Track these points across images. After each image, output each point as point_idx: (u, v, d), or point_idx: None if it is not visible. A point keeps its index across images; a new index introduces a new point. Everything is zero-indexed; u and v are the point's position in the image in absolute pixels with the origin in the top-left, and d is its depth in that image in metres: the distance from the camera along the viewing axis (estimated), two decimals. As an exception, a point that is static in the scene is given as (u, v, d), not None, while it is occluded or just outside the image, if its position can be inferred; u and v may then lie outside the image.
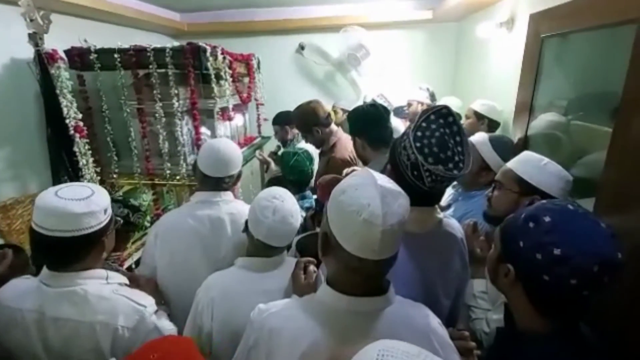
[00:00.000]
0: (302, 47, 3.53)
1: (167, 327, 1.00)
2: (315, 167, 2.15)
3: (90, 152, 1.72)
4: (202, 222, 1.33)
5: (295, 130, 2.57)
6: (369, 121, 1.54)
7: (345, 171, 1.60)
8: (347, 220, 0.67)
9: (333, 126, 2.13)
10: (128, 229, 1.49)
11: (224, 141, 1.41)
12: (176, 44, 1.95)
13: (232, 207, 1.39)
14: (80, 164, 1.65)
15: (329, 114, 2.15)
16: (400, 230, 0.69)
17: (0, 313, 0.93)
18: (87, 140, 1.69)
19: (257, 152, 2.68)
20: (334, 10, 3.31)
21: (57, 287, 0.91)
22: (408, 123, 2.56)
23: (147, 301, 0.99)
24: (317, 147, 2.16)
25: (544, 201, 0.78)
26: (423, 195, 0.90)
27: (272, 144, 3.18)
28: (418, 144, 0.87)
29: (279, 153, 2.28)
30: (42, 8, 1.43)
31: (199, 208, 1.35)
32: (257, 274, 1.12)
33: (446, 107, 0.92)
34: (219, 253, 1.34)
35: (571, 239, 0.65)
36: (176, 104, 1.97)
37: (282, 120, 2.60)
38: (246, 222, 1.18)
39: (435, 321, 0.79)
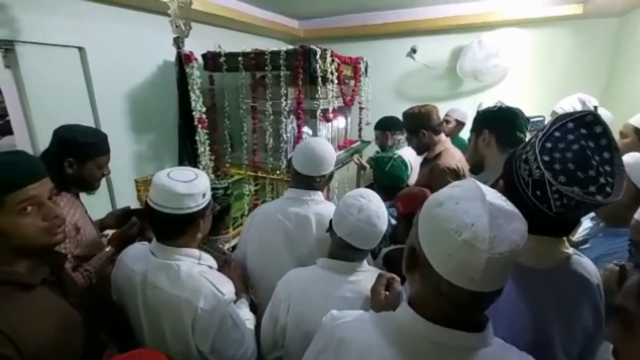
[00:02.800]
0: (413, 51, 3.37)
1: (244, 316, 1.04)
2: (412, 175, 1.99)
3: (208, 142, 1.97)
4: (289, 219, 1.35)
5: (397, 137, 2.44)
6: (508, 116, 1.33)
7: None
8: (442, 239, 0.56)
9: (442, 135, 1.94)
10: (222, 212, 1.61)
11: (320, 141, 1.41)
12: (290, 48, 2.08)
13: (321, 207, 1.37)
14: (199, 151, 1.89)
15: (442, 122, 1.99)
16: (512, 261, 0.54)
17: (121, 269, 1.11)
18: (207, 132, 1.94)
19: (355, 156, 2.66)
20: (450, 10, 3.05)
21: (160, 258, 1.03)
22: None
23: (227, 289, 1.03)
24: (420, 152, 2.01)
25: None
26: (547, 222, 0.71)
27: (372, 149, 3.12)
28: (546, 158, 0.68)
29: (373, 157, 2.21)
30: (185, 17, 1.70)
31: (289, 204, 1.38)
32: (337, 278, 1.07)
33: (592, 114, 0.70)
34: (303, 250, 1.35)
35: None
36: (284, 103, 2.10)
37: (384, 125, 2.51)
38: (330, 221, 1.15)
39: None
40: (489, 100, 3.01)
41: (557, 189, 0.66)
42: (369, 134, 2.99)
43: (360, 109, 2.97)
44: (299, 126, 2.17)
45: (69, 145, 1.26)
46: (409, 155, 2.01)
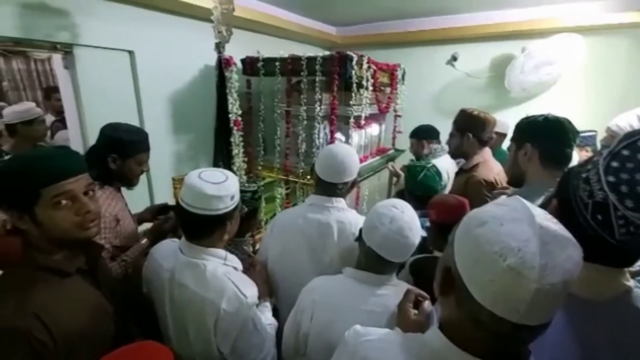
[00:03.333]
0: (454, 58, 3.26)
1: (266, 321, 1.03)
2: (446, 185, 1.90)
3: (242, 144, 2.01)
4: (311, 225, 1.33)
5: (433, 146, 2.35)
6: (554, 130, 1.21)
7: (494, 192, 1.34)
8: (483, 262, 0.50)
9: (486, 149, 1.85)
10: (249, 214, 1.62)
11: (343, 147, 1.38)
12: (327, 53, 2.08)
13: (343, 215, 1.34)
14: (233, 152, 1.94)
15: (492, 138, 1.89)
16: (564, 292, 0.48)
17: (151, 264, 1.15)
18: (242, 134, 1.98)
19: (390, 163, 2.60)
20: (495, 17, 2.91)
21: (187, 256, 1.05)
22: (590, 154, 1.99)
23: (250, 292, 1.03)
24: (455, 155, 1.93)
25: None
26: (607, 250, 0.63)
27: (405, 158, 3.03)
28: (612, 178, 0.61)
29: (406, 165, 2.13)
30: (227, 23, 1.76)
31: (311, 211, 1.36)
32: (364, 290, 1.03)
33: (669, 132, 0.62)
34: (324, 258, 1.32)
35: None
36: (318, 109, 2.10)
37: (420, 133, 2.43)
38: (360, 230, 1.11)
39: None
40: (536, 111, 2.83)
41: (622, 214, 0.58)
42: (403, 142, 2.92)
43: (396, 116, 2.90)
44: (331, 132, 2.16)
45: (113, 142, 1.33)
46: (445, 164, 1.92)
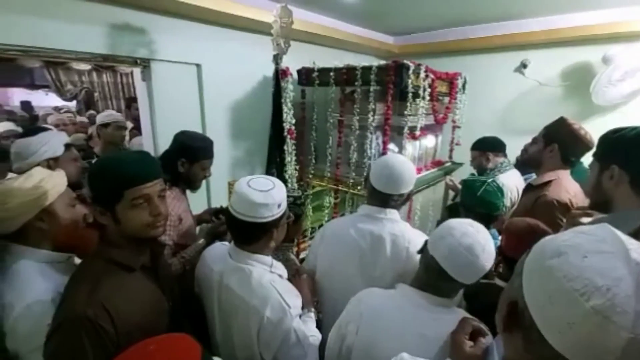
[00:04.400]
0: (524, 66, 3.00)
1: (309, 332, 1.00)
2: (514, 203, 1.73)
3: (295, 152, 2.04)
4: (363, 236, 1.29)
5: (499, 159, 2.16)
6: None
7: (571, 215, 1.17)
8: (560, 301, 0.43)
9: (568, 170, 1.64)
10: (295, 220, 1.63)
11: (400, 158, 1.32)
12: (382, 63, 2.04)
13: (397, 227, 1.28)
14: (286, 160, 1.98)
15: (577, 161, 1.64)
16: None
17: (203, 265, 1.19)
18: (295, 142, 2.02)
19: (448, 177, 2.44)
20: (570, 20, 2.62)
21: (235, 261, 1.08)
22: None
23: (294, 302, 1.02)
24: (526, 162, 1.75)
25: None
26: None
27: (463, 172, 2.84)
28: None
29: (464, 179, 1.97)
30: (285, 36, 1.82)
31: (363, 221, 1.31)
32: (417, 311, 0.95)
33: None
34: (374, 271, 1.27)
35: None
36: (370, 118, 2.06)
37: (484, 145, 2.22)
38: (426, 242, 1.04)
39: None
40: (622, 124, 2.48)
41: None
42: (461, 155, 2.74)
43: (454, 127, 2.74)
44: (384, 142, 2.10)
45: (184, 147, 1.44)
46: (512, 180, 1.74)
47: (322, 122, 2.41)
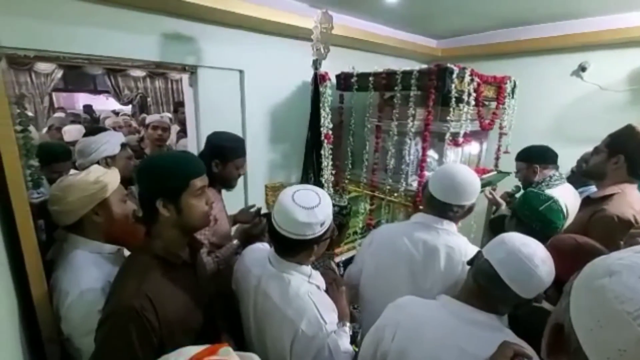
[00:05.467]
0: (582, 69, 2.76)
1: (343, 346, 0.98)
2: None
3: (331, 157, 2.04)
4: (415, 245, 1.23)
5: (548, 172, 1.95)
6: None
7: (631, 233, 1.05)
8: (610, 324, 0.39)
9: (635, 185, 1.48)
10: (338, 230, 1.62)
11: (464, 168, 1.26)
12: (424, 67, 1.99)
13: (453, 240, 1.22)
14: (322, 165, 1.98)
15: None
16: None
17: (242, 265, 1.21)
18: (331, 147, 2.02)
19: (488, 188, 2.27)
20: (635, 20, 2.36)
21: (274, 267, 1.08)
22: None
23: (330, 317, 1.00)
24: (586, 174, 1.63)
25: None
26: None
27: (508, 183, 2.66)
28: None
29: (524, 191, 1.80)
30: (325, 41, 1.84)
31: (417, 229, 1.26)
32: (458, 325, 0.88)
33: None
34: (424, 282, 1.21)
35: None
36: (410, 124, 2.01)
37: (531, 156, 2.00)
38: (478, 252, 0.98)
39: None
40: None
41: None
42: (508, 164, 2.57)
43: (501, 134, 2.58)
44: (423, 149, 2.03)
45: (216, 148, 1.49)
46: (565, 197, 1.57)
47: (360, 127, 2.39)
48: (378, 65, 2.18)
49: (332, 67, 2.09)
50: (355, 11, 2.43)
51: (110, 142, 1.77)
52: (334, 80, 2.34)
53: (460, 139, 2.04)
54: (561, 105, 2.93)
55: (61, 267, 1.06)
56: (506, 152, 2.58)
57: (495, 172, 2.66)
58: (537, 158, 1.98)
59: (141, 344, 0.83)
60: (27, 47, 1.47)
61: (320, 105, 1.91)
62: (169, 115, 4.20)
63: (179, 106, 4.24)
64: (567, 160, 2.05)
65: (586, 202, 1.54)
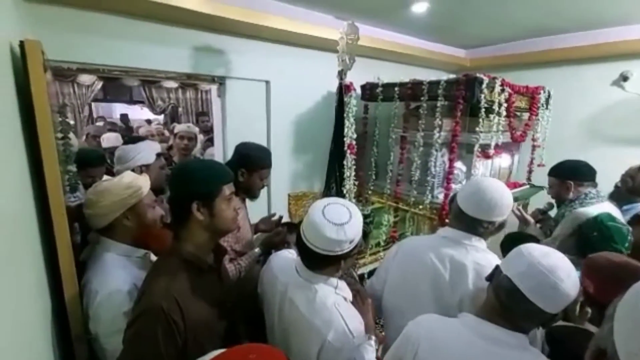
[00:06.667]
0: (624, 78, 2.60)
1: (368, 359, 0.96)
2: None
3: (354, 167, 2.02)
4: (442, 261, 1.18)
5: (584, 189, 1.78)
6: None
7: None
8: None
9: None
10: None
11: (496, 183, 1.21)
12: (452, 77, 1.95)
13: (483, 257, 1.16)
14: (345, 175, 1.97)
15: None
16: None
17: (268, 271, 1.21)
18: (355, 157, 2.00)
19: (515, 205, 2.11)
20: None
21: (301, 276, 1.07)
22: None
23: (357, 330, 0.98)
24: (637, 192, 1.53)
25: None
26: None
27: (541, 199, 2.51)
28: None
29: (609, 217, 1.63)
30: (350, 52, 1.85)
31: (444, 244, 1.21)
32: (482, 342, 0.84)
33: None
34: (451, 301, 1.15)
35: None
36: (436, 135, 1.96)
37: (565, 172, 1.80)
38: (496, 267, 0.93)
39: None
40: None
41: None
42: (541, 177, 2.44)
43: (534, 147, 2.47)
44: (450, 160, 1.97)
45: (243, 157, 1.52)
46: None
47: (384, 138, 2.36)
48: (404, 76, 2.17)
49: (357, 77, 2.09)
50: (381, 22, 2.43)
51: (147, 151, 1.85)
52: (358, 90, 2.33)
53: (491, 151, 1.97)
54: (599, 117, 2.77)
55: (92, 269, 1.10)
56: (540, 165, 2.46)
57: (527, 186, 2.53)
58: (570, 174, 1.82)
59: (166, 344, 0.84)
60: (71, 60, 1.58)
61: (345, 115, 1.90)
62: (193, 125, 4.34)
63: (200, 115, 4.38)
64: (609, 176, 1.90)
65: (636, 220, 1.43)
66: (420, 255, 1.23)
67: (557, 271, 0.79)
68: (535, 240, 1.49)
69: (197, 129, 2.89)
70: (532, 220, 1.99)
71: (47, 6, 1.48)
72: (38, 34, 1.05)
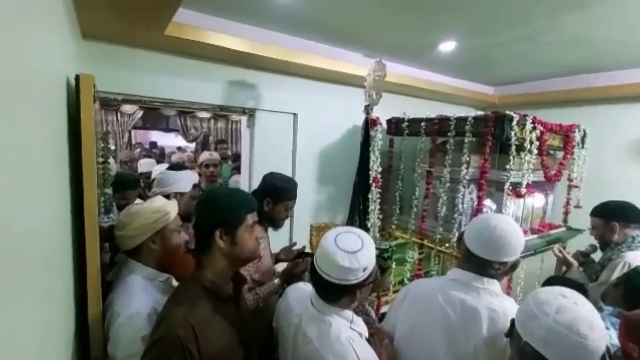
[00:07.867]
0: (666, 118, 2.48)
1: None
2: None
3: (379, 200, 1.99)
4: (452, 305, 1.11)
5: (631, 232, 1.68)
6: None
7: None
8: None
9: None
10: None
11: (505, 219, 1.14)
12: (480, 113, 1.93)
13: (497, 302, 1.07)
14: (369, 208, 1.94)
15: None
16: None
17: (284, 303, 1.18)
18: (379, 191, 1.98)
19: (557, 246, 2.00)
20: None
21: (315, 308, 1.04)
22: None
23: None
24: None
25: None
26: None
27: (580, 242, 2.34)
28: None
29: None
30: (377, 88, 1.89)
31: (454, 287, 1.14)
32: None
33: None
34: (465, 349, 1.07)
35: None
36: (464, 171, 1.91)
37: (610, 212, 1.74)
38: (512, 322, 0.87)
39: None
40: None
41: None
42: (580, 219, 2.29)
43: (570, 187, 2.35)
44: (479, 197, 1.90)
45: (270, 187, 1.54)
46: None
47: (409, 172, 2.34)
48: (430, 111, 2.17)
49: (383, 112, 2.13)
50: (408, 60, 2.49)
51: (186, 180, 1.90)
52: (384, 124, 2.36)
53: (523, 190, 1.89)
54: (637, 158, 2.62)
55: (116, 290, 1.12)
56: (577, 206, 2.32)
57: (564, 228, 2.38)
58: (616, 215, 1.73)
59: None
60: (117, 91, 1.72)
61: (370, 149, 1.91)
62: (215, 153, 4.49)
63: (219, 143, 4.55)
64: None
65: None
66: (429, 299, 1.16)
67: (578, 328, 0.73)
68: (580, 285, 1.37)
69: (218, 156, 3.00)
70: (575, 262, 1.86)
71: (101, 44, 1.66)
72: (91, 67, 1.16)
